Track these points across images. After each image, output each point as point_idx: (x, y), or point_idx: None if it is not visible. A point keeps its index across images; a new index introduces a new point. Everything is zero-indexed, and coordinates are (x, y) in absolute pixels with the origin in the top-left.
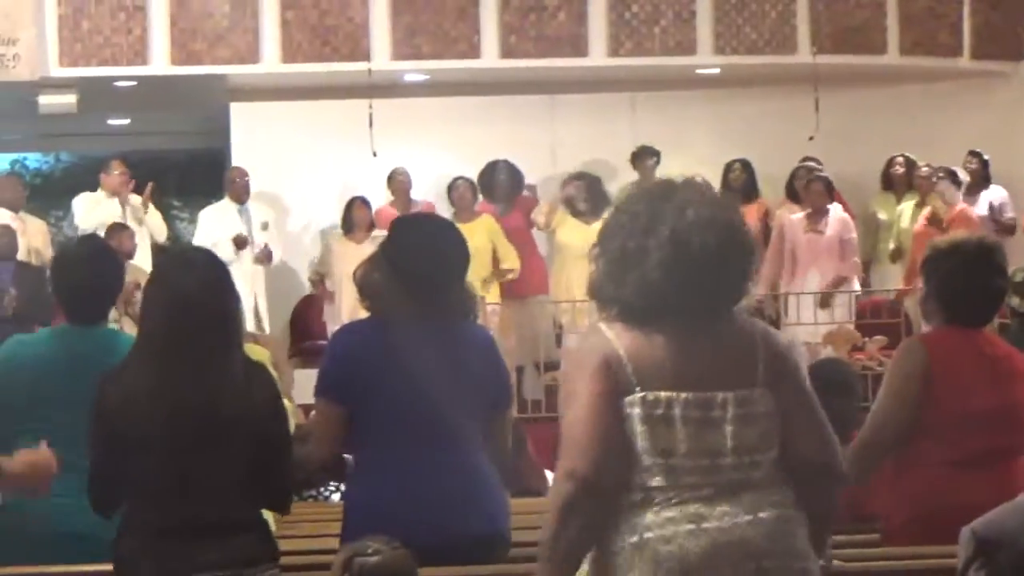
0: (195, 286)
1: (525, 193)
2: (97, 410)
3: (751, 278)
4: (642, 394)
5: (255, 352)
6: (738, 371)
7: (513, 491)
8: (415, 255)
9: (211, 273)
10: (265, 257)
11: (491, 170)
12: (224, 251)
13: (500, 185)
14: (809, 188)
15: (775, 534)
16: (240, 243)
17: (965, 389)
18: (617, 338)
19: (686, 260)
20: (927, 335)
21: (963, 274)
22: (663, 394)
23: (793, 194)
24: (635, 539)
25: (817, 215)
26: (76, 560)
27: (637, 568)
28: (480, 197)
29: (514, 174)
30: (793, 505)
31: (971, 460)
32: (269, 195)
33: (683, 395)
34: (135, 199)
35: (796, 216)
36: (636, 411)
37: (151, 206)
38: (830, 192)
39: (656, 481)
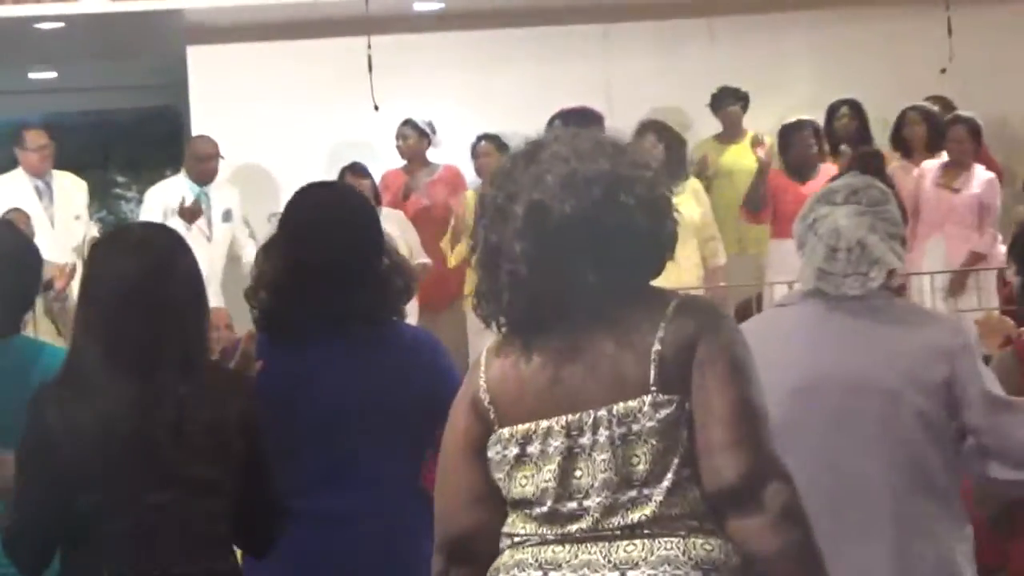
0: (138, 270)
1: None
2: (31, 438)
3: (660, 243)
4: (498, 432)
5: None
6: (620, 379)
7: None
8: (299, 238)
9: (161, 252)
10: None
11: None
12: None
13: None
14: (949, 133)
15: None
16: (190, 214)
17: None
18: (486, 367)
19: (546, 241)
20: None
21: None
22: (520, 427)
23: (901, 144)
24: None
25: (956, 168)
26: None
27: None
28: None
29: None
30: (699, 566)
31: None
32: (239, 165)
33: (544, 424)
34: (63, 177)
35: (932, 163)
36: (492, 453)
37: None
38: (976, 140)
39: (517, 527)
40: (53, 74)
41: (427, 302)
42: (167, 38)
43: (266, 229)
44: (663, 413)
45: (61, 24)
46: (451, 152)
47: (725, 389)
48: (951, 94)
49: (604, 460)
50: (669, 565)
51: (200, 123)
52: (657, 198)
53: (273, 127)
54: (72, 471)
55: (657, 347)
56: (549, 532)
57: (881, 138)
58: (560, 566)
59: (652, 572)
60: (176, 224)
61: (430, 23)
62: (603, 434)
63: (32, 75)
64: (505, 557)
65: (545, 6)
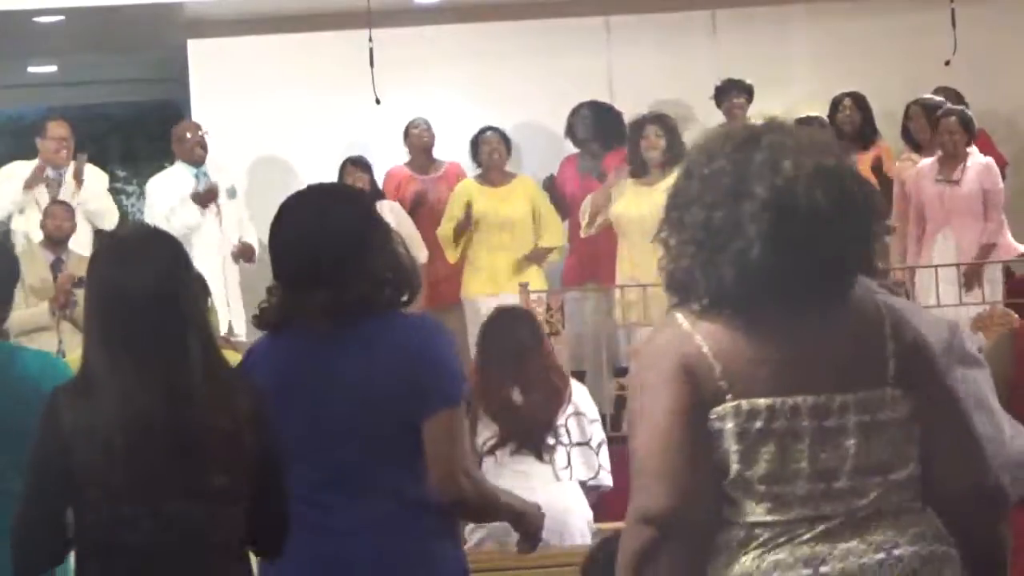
0: (135, 275)
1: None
2: (44, 442)
3: (877, 244)
4: (735, 403)
5: None
6: (862, 367)
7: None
8: (276, 239)
9: (158, 257)
10: (244, 254)
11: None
12: (186, 216)
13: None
14: (940, 125)
15: None
16: (205, 198)
17: None
18: (700, 332)
19: (792, 227)
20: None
21: None
22: (763, 401)
23: (910, 138)
24: None
25: (951, 161)
26: None
27: None
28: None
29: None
30: (942, 539)
31: None
32: (241, 160)
33: (790, 401)
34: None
35: (925, 162)
36: (728, 426)
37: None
38: (968, 130)
39: (758, 515)
40: (53, 68)
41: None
42: (167, 32)
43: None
44: (902, 406)
45: (61, 18)
46: (453, 146)
47: (951, 390)
48: (956, 86)
49: (853, 444)
50: (925, 541)
51: (201, 117)
52: (870, 194)
53: (274, 121)
54: (87, 477)
55: (892, 345)
56: (797, 516)
57: (886, 131)
58: (824, 560)
59: (914, 548)
60: (190, 211)
61: (431, 16)
62: (851, 419)
63: (32, 69)
64: (753, 560)
65: None
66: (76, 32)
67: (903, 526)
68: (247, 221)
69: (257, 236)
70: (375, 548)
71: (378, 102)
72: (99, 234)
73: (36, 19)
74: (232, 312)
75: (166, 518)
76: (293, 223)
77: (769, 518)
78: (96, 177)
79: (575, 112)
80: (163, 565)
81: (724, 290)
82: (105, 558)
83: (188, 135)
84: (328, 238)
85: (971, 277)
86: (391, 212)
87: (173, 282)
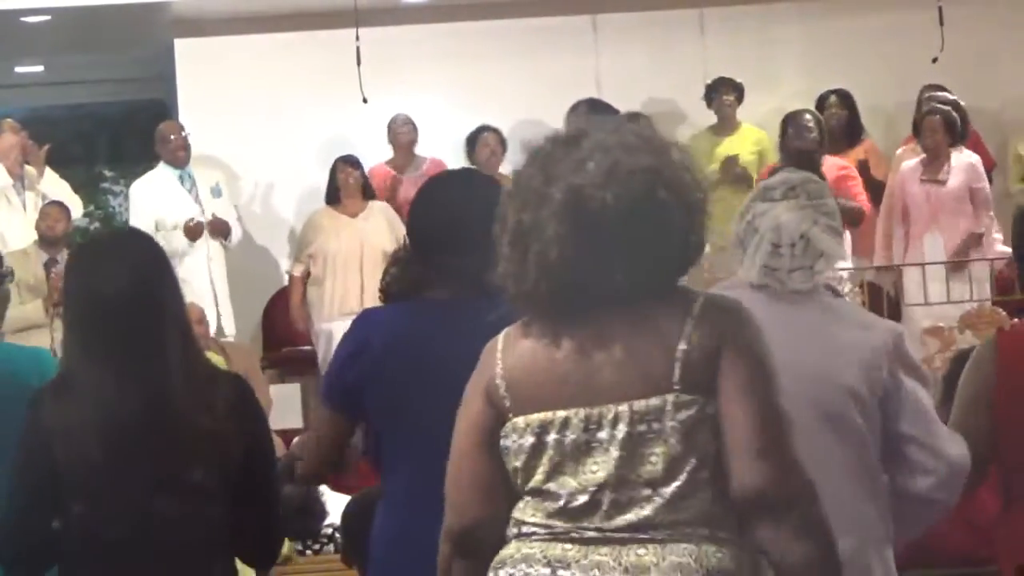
0: (111, 276)
1: None
2: (28, 438)
3: (691, 244)
4: (514, 420)
5: None
6: (642, 375)
7: None
8: (423, 217)
9: (135, 256)
10: (219, 229)
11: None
12: (174, 242)
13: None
14: (923, 124)
15: None
16: (194, 232)
17: None
18: (503, 352)
19: (582, 228)
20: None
21: None
22: (536, 417)
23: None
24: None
25: (935, 160)
26: None
27: None
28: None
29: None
30: (724, 566)
31: None
32: (228, 160)
33: (562, 414)
34: (29, 169)
35: (909, 163)
36: (509, 442)
37: (48, 172)
38: (951, 130)
39: (528, 516)
40: (40, 68)
41: None
42: (154, 31)
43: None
44: (685, 414)
45: (47, 17)
46: (440, 145)
47: (751, 394)
48: (945, 82)
49: (620, 456)
50: (681, 572)
51: (187, 116)
52: (694, 200)
53: (261, 120)
54: (68, 476)
55: (683, 346)
56: (560, 525)
57: (873, 129)
58: (569, 565)
59: (679, 564)
60: (173, 238)
61: (418, 15)
62: (622, 430)
63: (18, 69)
64: (511, 549)
65: None
66: (63, 32)
67: (665, 553)
68: (235, 221)
69: (242, 233)
70: None
71: (365, 101)
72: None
73: (23, 19)
74: (221, 312)
75: (146, 516)
76: (443, 193)
77: (532, 519)
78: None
79: (574, 109)
80: (143, 564)
81: (527, 296)
82: (87, 557)
83: (172, 136)
84: (480, 206)
85: (958, 263)
86: (382, 213)
87: (149, 282)
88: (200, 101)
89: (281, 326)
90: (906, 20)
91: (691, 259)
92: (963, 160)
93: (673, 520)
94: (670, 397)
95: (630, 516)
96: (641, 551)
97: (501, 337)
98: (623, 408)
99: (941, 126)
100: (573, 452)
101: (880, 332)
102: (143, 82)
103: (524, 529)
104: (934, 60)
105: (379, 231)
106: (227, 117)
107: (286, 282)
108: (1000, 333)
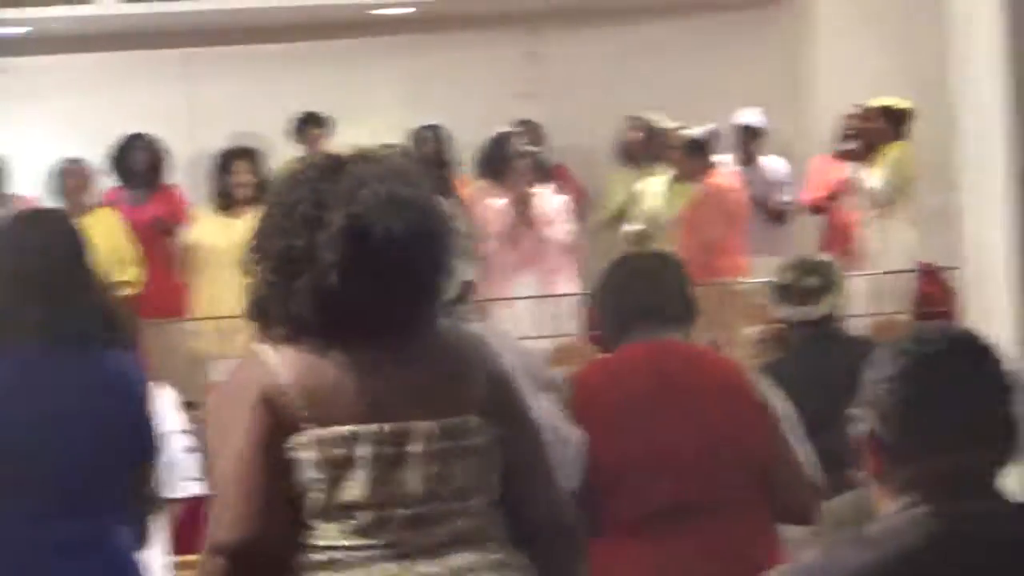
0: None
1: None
2: None
3: (458, 272)
4: (315, 431)
5: None
6: (447, 394)
7: None
8: None
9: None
10: None
11: (125, 147)
12: None
13: (137, 165)
14: (511, 166)
15: None
16: None
17: (611, 428)
18: (282, 363)
19: (366, 255)
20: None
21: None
22: (345, 428)
23: (492, 171)
24: None
25: (523, 201)
26: None
27: None
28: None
29: (155, 151)
30: (526, 570)
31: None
32: None
33: (373, 427)
34: None
35: (499, 203)
36: (308, 454)
37: None
38: (540, 170)
39: (335, 538)
40: None
41: None
42: None
43: None
44: (486, 433)
45: None
46: (39, 181)
47: (532, 422)
48: (538, 118)
49: (430, 471)
50: (505, 568)
51: None
52: (454, 230)
53: None
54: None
55: (477, 372)
56: (376, 541)
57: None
58: None
59: (494, 575)
60: None
61: (18, 47)
62: (435, 445)
63: None
64: None
65: (129, 29)
66: None
67: (484, 554)
68: None
69: None
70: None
71: None
72: None
73: None
74: None
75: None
76: (20, 240)
77: (346, 542)
78: None
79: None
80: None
81: (303, 319)
82: None
83: None
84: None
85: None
86: None
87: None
88: None
89: None
90: (498, 55)
91: (449, 290)
92: (546, 198)
93: (482, 527)
94: (474, 418)
95: (446, 527)
96: (460, 558)
97: (261, 349)
98: (431, 424)
99: (531, 167)
100: (383, 466)
101: (516, 356)
102: None
103: (336, 555)
104: (524, 95)
105: None
106: None
107: None
108: (580, 371)
